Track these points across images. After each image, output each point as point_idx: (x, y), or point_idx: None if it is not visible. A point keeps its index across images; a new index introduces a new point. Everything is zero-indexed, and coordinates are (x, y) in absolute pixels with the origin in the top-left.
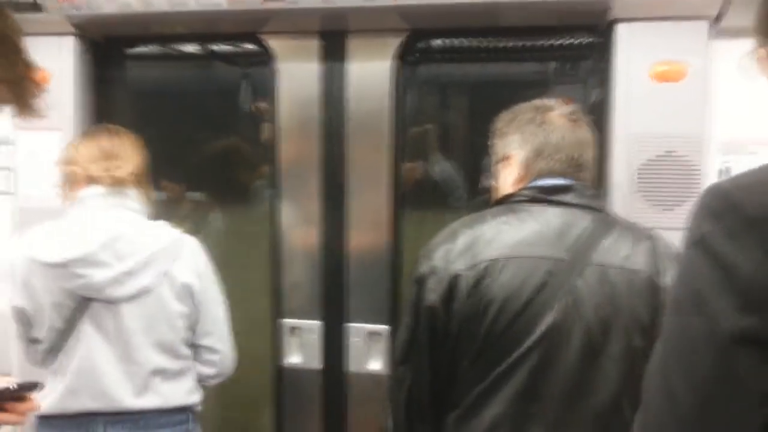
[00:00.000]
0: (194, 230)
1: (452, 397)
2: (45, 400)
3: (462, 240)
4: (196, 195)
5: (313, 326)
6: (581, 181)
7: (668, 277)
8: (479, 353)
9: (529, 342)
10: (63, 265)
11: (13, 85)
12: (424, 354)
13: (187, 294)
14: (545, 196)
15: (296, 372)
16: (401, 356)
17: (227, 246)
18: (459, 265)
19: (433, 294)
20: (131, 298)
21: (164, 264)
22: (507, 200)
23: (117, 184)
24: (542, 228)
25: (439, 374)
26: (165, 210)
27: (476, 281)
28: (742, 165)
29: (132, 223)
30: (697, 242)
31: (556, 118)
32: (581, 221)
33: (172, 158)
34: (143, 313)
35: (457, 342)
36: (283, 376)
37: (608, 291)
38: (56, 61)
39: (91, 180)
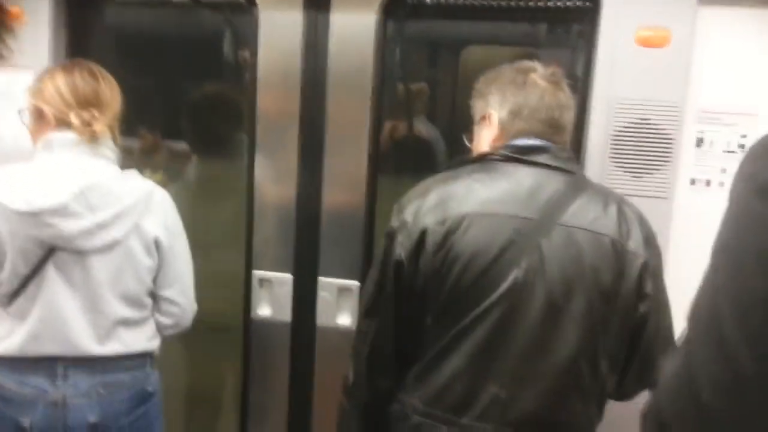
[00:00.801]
0: (169, 179)
1: (415, 351)
2: (5, 342)
3: (433, 196)
4: (172, 144)
5: (284, 279)
6: (558, 143)
7: (632, 242)
8: (443, 308)
9: (492, 298)
10: (33, 215)
11: None
12: (390, 308)
13: (155, 248)
14: (519, 156)
15: (266, 324)
16: (367, 309)
17: (202, 196)
18: (428, 220)
19: (401, 248)
20: (100, 249)
21: (135, 216)
22: (482, 159)
23: (91, 134)
24: (513, 187)
25: (404, 328)
26: (139, 158)
27: (444, 237)
28: (718, 136)
29: (104, 173)
30: (763, 190)
31: (537, 79)
32: (553, 183)
33: (147, 105)
34: (111, 265)
35: (422, 296)
36: (252, 328)
37: (573, 252)
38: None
39: (63, 123)
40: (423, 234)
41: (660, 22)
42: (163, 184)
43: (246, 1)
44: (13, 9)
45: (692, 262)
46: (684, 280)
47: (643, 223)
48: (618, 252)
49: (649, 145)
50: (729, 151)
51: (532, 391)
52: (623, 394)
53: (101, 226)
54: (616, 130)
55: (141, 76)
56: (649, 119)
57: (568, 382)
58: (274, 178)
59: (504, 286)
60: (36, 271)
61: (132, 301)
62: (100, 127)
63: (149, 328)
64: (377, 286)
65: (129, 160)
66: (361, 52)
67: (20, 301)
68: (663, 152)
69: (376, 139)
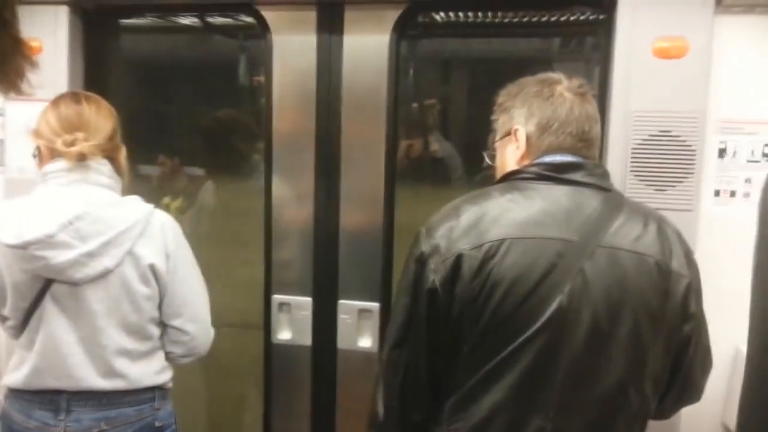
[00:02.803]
0: (186, 204)
1: (450, 382)
2: (15, 374)
3: (466, 217)
4: (189, 168)
5: (303, 302)
6: (590, 158)
7: (676, 262)
8: (482, 337)
9: (535, 326)
10: (22, 247)
11: None
12: (423, 337)
13: (152, 275)
14: (554, 174)
15: (286, 348)
16: (397, 339)
17: (220, 221)
18: (463, 245)
19: (435, 275)
20: (93, 279)
21: (128, 244)
22: (511, 177)
23: (80, 158)
24: (550, 207)
25: (438, 358)
26: (157, 183)
27: (482, 262)
28: (741, 146)
29: (96, 200)
30: None
31: (563, 91)
32: (591, 201)
33: (164, 130)
34: (107, 294)
35: (458, 325)
36: (273, 352)
37: (618, 275)
38: (48, 31)
39: (55, 154)
40: (458, 259)
41: (677, 32)
42: (182, 211)
43: (259, 25)
44: (33, 43)
45: (720, 274)
46: (712, 292)
47: (682, 241)
48: (663, 273)
49: (670, 158)
50: (753, 161)
51: (579, 421)
52: (661, 413)
53: (90, 256)
54: (635, 143)
55: (159, 102)
56: (670, 131)
57: (616, 408)
58: (291, 200)
59: (547, 312)
60: (36, 304)
61: (134, 332)
62: (82, 146)
63: (157, 361)
64: (408, 314)
65: (148, 187)
66: (375, 72)
67: (27, 333)
68: (685, 164)
69: (393, 157)
